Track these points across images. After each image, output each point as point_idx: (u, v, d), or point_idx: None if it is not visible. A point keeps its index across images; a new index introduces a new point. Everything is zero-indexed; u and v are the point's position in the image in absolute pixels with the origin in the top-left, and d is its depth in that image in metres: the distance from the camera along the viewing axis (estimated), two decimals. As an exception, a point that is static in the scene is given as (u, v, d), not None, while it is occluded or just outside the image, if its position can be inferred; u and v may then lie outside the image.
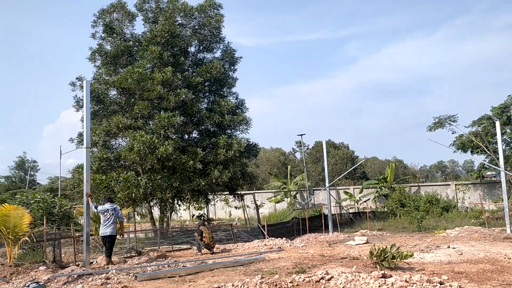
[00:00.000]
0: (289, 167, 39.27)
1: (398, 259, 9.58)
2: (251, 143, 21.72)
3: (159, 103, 19.38)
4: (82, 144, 20.61)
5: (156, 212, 22.60)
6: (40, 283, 7.97)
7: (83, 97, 20.25)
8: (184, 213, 32.05)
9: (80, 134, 20.80)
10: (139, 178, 18.35)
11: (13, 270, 10.48)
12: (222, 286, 8.01)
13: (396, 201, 26.39)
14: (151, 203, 20.96)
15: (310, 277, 8.37)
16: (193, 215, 25.05)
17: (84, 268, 10.17)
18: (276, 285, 7.82)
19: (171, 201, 19.55)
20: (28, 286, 7.75)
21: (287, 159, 53.14)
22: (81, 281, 9.19)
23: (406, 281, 7.45)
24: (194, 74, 20.77)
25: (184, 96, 19.17)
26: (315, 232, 20.03)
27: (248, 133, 22.24)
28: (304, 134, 43.74)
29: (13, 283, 9.71)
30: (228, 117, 20.14)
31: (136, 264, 11.29)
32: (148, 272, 9.90)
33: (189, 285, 8.54)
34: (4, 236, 10.65)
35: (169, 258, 12.66)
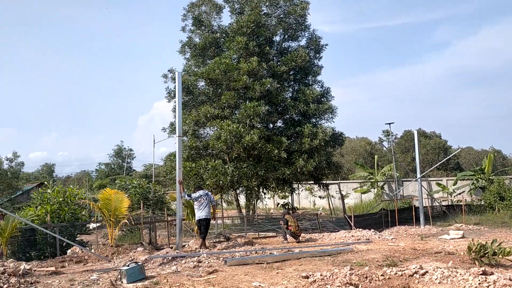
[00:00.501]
0: (376, 157, 38.07)
1: (500, 256, 8.85)
2: (336, 132, 21.36)
3: (245, 93, 19.71)
4: (174, 133, 21.71)
5: (242, 199, 23.14)
6: (139, 263, 8.50)
7: (174, 88, 21.39)
8: (269, 201, 32.49)
9: (172, 124, 21.85)
10: (226, 166, 18.88)
11: (114, 250, 11.33)
12: (310, 275, 7.96)
13: (495, 194, 24.46)
14: (237, 191, 21.48)
15: (403, 271, 8.03)
16: (278, 204, 25.32)
17: (177, 251, 10.69)
18: (366, 277, 7.61)
19: (256, 189, 19.89)
20: (128, 265, 8.30)
21: (373, 148, 51.48)
22: (175, 263, 9.67)
23: (510, 279, 6.85)
24: (279, 63, 20.82)
25: (269, 85, 19.31)
26: (405, 225, 19.24)
27: (333, 122, 21.96)
28: (393, 123, 42.09)
29: (114, 262, 10.51)
30: (313, 106, 19.96)
31: (225, 249, 11.63)
32: (236, 257, 10.15)
33: (277, 272, 8.62)
34: (106, 218, 11.54)
35: (256, 244, 12.89)
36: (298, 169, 18.71)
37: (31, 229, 11.68)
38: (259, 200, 21.44)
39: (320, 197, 30.26)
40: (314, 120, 21.08)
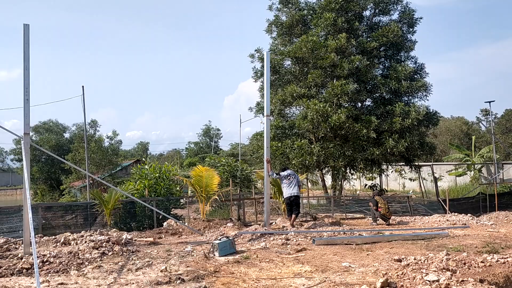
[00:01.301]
0: (473, 137, 35.47)
1: None
2: (430, 111, 20.16)
3: (332, 71, 19.25)
4: (260, 113, 21.94)
5: (328, 180, 22.89)
6: (230, 238, 8.77)
7: (261, 67, 21.58)
8: (355, 183, 31.81)
9: (258, 104, 22.07)
10: (312, 146, 18.73)
11: (205, 224, 11.81)
12: (403, 258, 7.66)
13: None
14: (323, 171, 21.25)
15: (505, 258, 7.43)
16: (365, 185, 24.67)
17: (265, 228, 10.87)
18: (464, 263, 7.15)
19: (343, 169, 19.51)
20: (220, 240, 8.61)
21: (470, 129, 48.00)
22: (264, 239, 9.85)
23: None
24: (369, 39, 19.98)
25: (358, 62, 18.68)
26: (505, 210, 17.79)
27: (427, 100, 20.70)
28: (493, 101, 38.73)
29: (206, 235, 10.97)
30: (405, 83, 18.97)
31: (312, 228, 11.61)
32: (324, 237, 10.08)
33: (367, 254, 8.41)
34: (198, 194, 12.04)
35: (343, 225, 12.71)
36: (388, 150, 18.00)
37: (131, 202, 12.56)
38: (345, 181, 21.01)
39: (410, 179, 28.98)
40: (406, 99, 20.08)
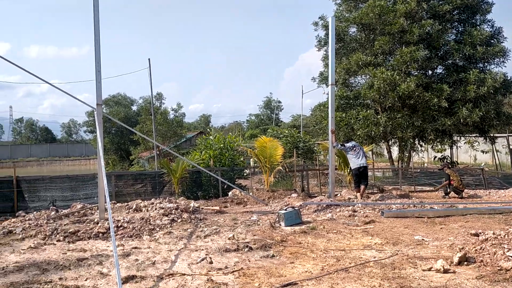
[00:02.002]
0: (556, 107, 32.65)
1: None
2: (508, 78, 18.67)
3: (400, 37, 18.28)
4: (323, 83, 21.45)
5: (394, 152, 22.11)
6: (296, 208, 8.71)
7: (325, 36, 20.94)
8: (423, 155, 30.50)
9: (321, 73, 21.55)
10: (379, 116, 18.06)
11: (269, 194, 11.84)
12: (480, 233, 7.22)
13: None
14: (390, 142, 20.52)
15: None
16: (434, 157, 23.55)
17: (331, 199, 10.69)
18: (552, 241, 6.60)
19: (411, 140, 18.71)
20: (286, 209, 8.56)
21: (552, 98, 44.20)
22: (329, 210, 9.70)
23: None
24: (441, 2, 18.66)
25: (429, 27, 17.58)
26: None
27: (504, 66, 19.21)
28: None
29: (270, 205, 11.00)
30: (481, 48, 17.62)
31: (380, 201, 11.27)
32: (393, 209, 9.75)
33: (440, 228, 8.03)
34: (262, 164, 12.04)
35: (413, 198, 12.23)
36: (461, 120, 16.95)
37: (197, 172, 12.84)
38: (414, 153, 20.15)
39: (483, 151, 27.31)
40: (481, 65, 18.71)
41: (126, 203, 11.14)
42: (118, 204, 11.15)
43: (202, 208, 10.42)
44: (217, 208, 10.37)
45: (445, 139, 18.97)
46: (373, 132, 17.68)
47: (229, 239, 7.41)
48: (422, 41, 17.90)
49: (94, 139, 55.30)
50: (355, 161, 11.67)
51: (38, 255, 6.81)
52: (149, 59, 24.51)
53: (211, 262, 6.04)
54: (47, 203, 11.34)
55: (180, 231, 8.25)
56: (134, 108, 53.64)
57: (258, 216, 9.46)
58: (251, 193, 11.97)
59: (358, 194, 11.40)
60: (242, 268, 5.72)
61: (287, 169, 12.56)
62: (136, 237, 7.82)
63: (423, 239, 7.10)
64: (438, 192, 13.89)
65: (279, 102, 75.89)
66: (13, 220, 9.65)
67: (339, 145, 11.94)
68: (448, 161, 21.70)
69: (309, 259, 6.11)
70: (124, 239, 7.73)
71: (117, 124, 50.13)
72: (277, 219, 8.57)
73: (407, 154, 19.79)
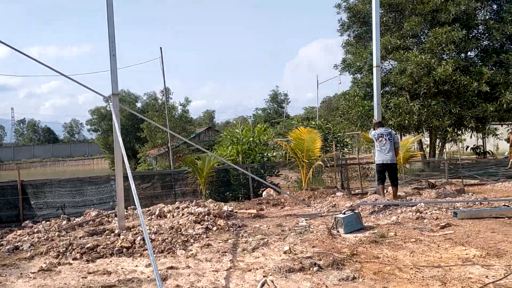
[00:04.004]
0: None
1: None
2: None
3: (433, 18, 16.75)
4: (346, 70, 19.94)
5: (424, 141, 20.56)
6: (356, 211, 7.29)
7: (348, 19, 19.44)
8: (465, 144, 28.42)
9: (344, 60, 20.01)
10: (411, 104, 16.59)
11: (309, 194, 10.41)
12: None
13: None
14: (424, 132, 18.95)
15: None
16: (467, 147, 22.03)
17: (387, 199, 9.24)
18: None
19: (449, 129, 17.21)
20: (344, 213, 7.15)
21: None
22: (389, 212, 8.28)
23: None
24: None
25: (464, 6, 16.02)
26: None
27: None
28: None
29: (314, 207, 9.57)
30: (523, 27, 16.07)
31: (437, 198, 9.83)
32: (460, 209, 8.33)
33: (538, 232, 6.60)
34: (299, 160, 10.56)
35: (470, 193, 10.80)
36: (504, 105, 15.45)
37: (225, 170, 11.40)
38: (453, 142, 18.57)
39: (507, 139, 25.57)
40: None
41: (147, 209, 9.75)
42: (137, 210, 9.75)
43: (236, 212, 9.02)
44: (254, 211, 8.98)
45: (487, 126, 17.44)
46: (406, 121, 16.22)
47: (284, 252, 6.03)
48: (457, 20, 16.38)
49: (98, 138, 53.87)
50: (378, 155, 9.77)
51: (52, 280, 5.45)
52: (160, 48, 23.19)
53: (277, 290, 4.66)
54: (56, 210, 9.95)
55: (219, 242, 6.86)
56: (139, 104, 52.09)
57: (306, 220, 8.06)
58: (287, 193, 10.51)
59: (382, 192, 9.72)
60: (324, 299, 4.34)
61: (328, 164, 11.12)
62: (168, 252, 6.44)
63: (533, 249, 5.68)
64: (489, 185, 12.48)
65: (286, 95, 74.18)
66: (19, 232, 8.27)
67: (371, 132, 10.30)
68: (482, 151, 20.26)
69: (403, 283, 4.71)
70: (154, 255, 6.34)
71: (121, 121, 48.71)
72: (334, 225, 7.16)
73: (445, 144, 18.26)
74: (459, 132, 18.25)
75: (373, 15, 10.42)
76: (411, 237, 6.48)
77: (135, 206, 10.47)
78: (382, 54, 17.53)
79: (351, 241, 6.50)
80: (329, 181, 12.15)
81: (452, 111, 16.01)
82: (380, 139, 9.86)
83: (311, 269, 5.23)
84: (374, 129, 10.22)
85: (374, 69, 10.35)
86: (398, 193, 9.95)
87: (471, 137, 22.80)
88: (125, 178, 12.12)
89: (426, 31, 17.26)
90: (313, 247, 6.26)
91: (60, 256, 6.46)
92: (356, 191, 12.00)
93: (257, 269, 5.43)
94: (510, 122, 18.02)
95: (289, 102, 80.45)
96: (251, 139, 12.25)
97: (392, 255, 5.71)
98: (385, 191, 9.89)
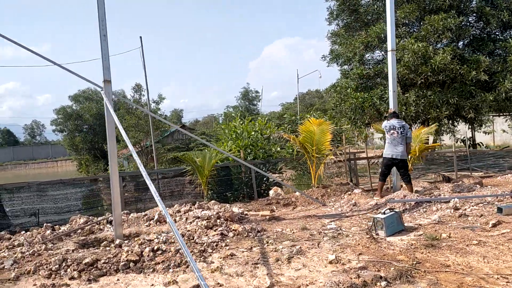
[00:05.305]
0: None
1: None
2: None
3: (428, 4, 16.12)
4: (334, 62, 19.11)
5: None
6: (397, 211, 6.38)
7: (338, 7, 18.60)
8: (444, 137, 27.73)
9: (332, 51, 19.16)
10: (407, 95, 15.92)
11: (321, 192, 9.45)
12: None
13: None
14: (424, 124, 18.30)
15: None
16: (457, 140, 21.60)
17: (417, 195, 8.39)
18: None
19: (446, 121, 16.65)
20: (384, 212, 6.24)
21: None
22: (423, 209, 7.43)
23: None
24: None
25: (460, -9, 15.49)
26: None
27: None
28: None
29: (330, 206, 8.64)
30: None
31: (458, 192, 9.06)
32: (496, 203, 7.58)
33: None
34: (309, 154, 9.55)
35: (488, 186, 10.12)
36: (503, 94, 14.97)
37: (226, 168, 10.29)
38: (450, 134, 18.00)
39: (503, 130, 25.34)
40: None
41: (143, 213, 8.56)
42: (133, 214, 8.57)
43: (247, 215, 7.97)
44: (267, 213, 7.95)
45: (487, 117, 16.98)
46: (403, 113, 15.53)
47: (330, 263, 5.05)
48: (452, 7, 15.81)
49: (64, 139, 51.17)
50: (387, 148, 8.90)
51: (49, 311, 4.30)
52: (140, 37, 21.61)
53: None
54: (36, 218, 8.61)
55: (242, 251, 5.83)
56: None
57: (334, 222, 7.11)
58: (299, 191, 9.51)
59: (380, 190, 8.86)
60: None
61: (342, 158, 10.20)
62: (187, 266, 5.35)
63: None
64: (500, 177, 11.90)
65: (257, 92, 72.91)
66: (-4, 246, 6.95)
67: (384, 122, 9.39)
68: (470, 142, 19.88)
69: (502, 298, 3.81)
70: (171, 270, 5.25)
71: (88, 121, 46.62)
72: (373, 227, 6.23)
73: (445, 135, 17.69)
74: (455, 124, 17.73)
75: (388, 9, 9.48)
76: (470, 239, 5.62)
77: (125, 209, 9.29)
78: (374, 43, 16.91)
79: (400, 245, 5.59)
80: (336, 178, 11.24)
81: (450, 101, 15.43)
82: (391, 131, 8.93)
83: (378, 284, 4.28)
84: (388, 120, 9.32)
85: (389, 53, 9.48)
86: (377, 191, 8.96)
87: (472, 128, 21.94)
88: (123, 179, 10.92)
89: (420, 18, 16.59)
90: (360, 254, 5.32)
91: (54, 276, 5.28)
92: (365, 187, 11.13)
93: (307, 285, 4.44)
94: (507, 113, 17.60)
95: (260, 99, 79.44)
96: (253, 133, 11.16)
97: (462, 261, 4.82)
98: (382, 190, 8.95)
